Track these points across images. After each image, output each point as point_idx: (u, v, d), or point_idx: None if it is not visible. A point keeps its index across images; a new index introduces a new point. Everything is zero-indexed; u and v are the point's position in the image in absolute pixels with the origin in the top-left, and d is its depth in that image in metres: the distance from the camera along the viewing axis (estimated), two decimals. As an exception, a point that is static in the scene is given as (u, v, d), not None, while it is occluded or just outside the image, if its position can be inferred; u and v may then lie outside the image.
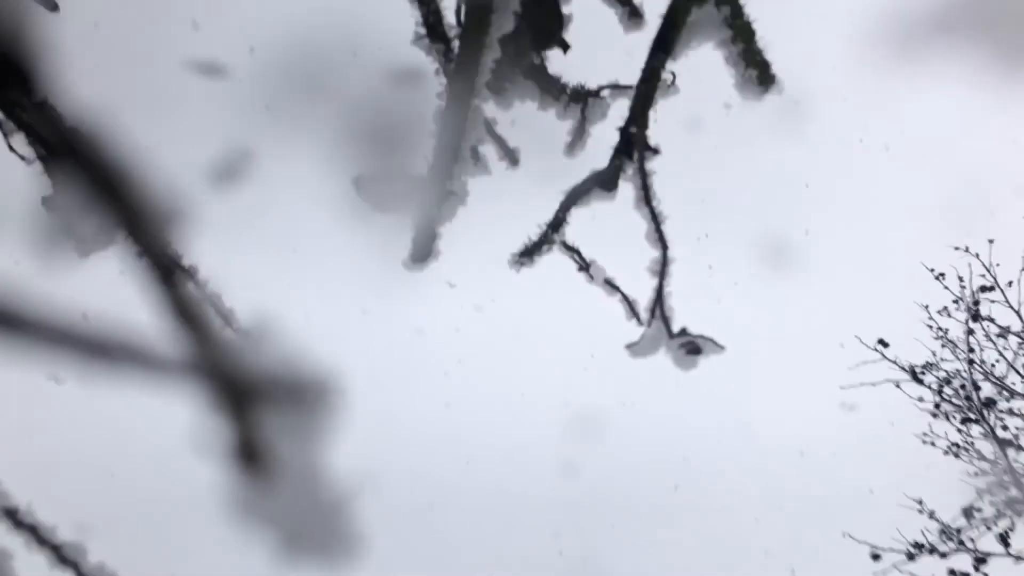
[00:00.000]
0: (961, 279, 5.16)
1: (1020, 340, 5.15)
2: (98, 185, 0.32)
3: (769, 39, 0.92)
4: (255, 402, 0.30)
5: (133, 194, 0.32)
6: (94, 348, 0.32)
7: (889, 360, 5.22)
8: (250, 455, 0.31)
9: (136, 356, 0.31)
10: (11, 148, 0.89)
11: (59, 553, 0.97)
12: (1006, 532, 5.02)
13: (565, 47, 1.01)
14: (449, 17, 0.93)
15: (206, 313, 0.31)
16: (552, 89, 1.05)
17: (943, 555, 5.06)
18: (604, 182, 1.11)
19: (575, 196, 1.13)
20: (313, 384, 0.32)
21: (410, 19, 0.94)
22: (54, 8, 1.01)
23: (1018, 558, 4.98)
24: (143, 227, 0.32)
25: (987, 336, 5.21)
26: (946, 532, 5.08)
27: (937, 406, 5.23)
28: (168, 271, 0.31)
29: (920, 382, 5.24)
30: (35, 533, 0.95)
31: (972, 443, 5.18)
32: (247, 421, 0.30)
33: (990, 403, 5.12)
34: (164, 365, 0.31)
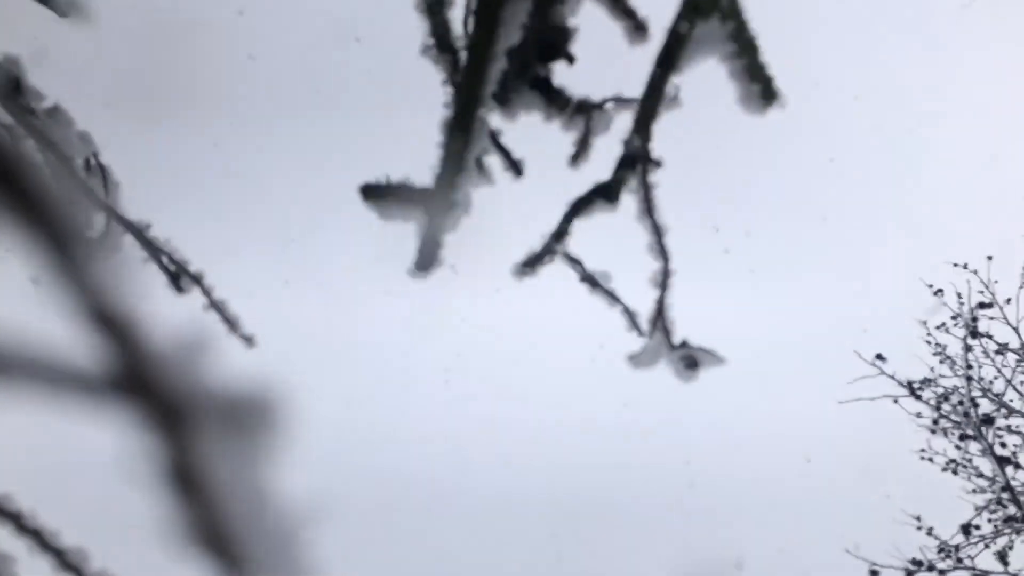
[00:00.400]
0: (960, 295, 5.18)
1: (1018, 357, 5.16)
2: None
3: (782, 38, 0.93)
4: (191, 422, 0.28)
5: (27, 173, 0.27)
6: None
7: (887, 375, 5.23)
8: (185, 480, 0.28)
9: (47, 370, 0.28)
10: None
11: (62, 559, 0.96)
12: (1004, 550, 5.00)
13: (570, 60, 1.02)
14: (457, 29, 0.94)
15: (132, 320, 0.27)
16: (557, 101, 1.06)
17: (941, 572, 5.04)
18: (607, 194, 1.12)
19: (578, 207, 1.14)
20: (256, 402, 0.29)
21: (418, 30, 0.95)
22: (64, 15, 1.02)
23: (1016, 576, 4.97)
24: (43, 215, 0.27)
25: (985, 353, 5.22)
26: (944, 549, 5.06)
27: (935, 422, 5.23)
28: (81, 269, 0.27)
29: (918, 398, 5.25)
30: (39, 538, 0.95)
31: (970, 460, 5.17)
32: (182, 443, 0.28)
33: (988, 420, 5.12)
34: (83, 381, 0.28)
